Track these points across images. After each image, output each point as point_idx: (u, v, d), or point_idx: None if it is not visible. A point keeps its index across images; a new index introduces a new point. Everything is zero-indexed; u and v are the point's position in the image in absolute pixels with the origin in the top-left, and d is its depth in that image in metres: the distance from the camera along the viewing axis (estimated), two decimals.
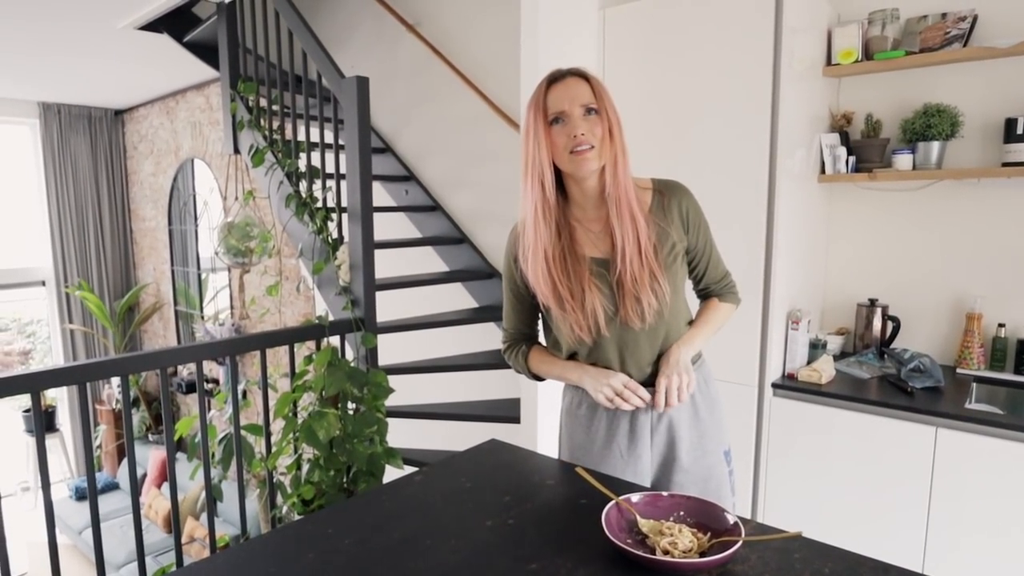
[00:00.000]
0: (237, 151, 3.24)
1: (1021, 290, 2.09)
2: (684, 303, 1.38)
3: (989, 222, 2.13)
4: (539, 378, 1.49)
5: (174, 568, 2.26)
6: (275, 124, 3.03)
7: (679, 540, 0.99)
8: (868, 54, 2.17)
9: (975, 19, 2.05)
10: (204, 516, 4.34)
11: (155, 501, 5.03)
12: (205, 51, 3.80)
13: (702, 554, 0.98)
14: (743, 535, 0.98)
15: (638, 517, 1.07)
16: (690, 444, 1.37)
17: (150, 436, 5.96)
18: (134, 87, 5.30)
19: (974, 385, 2.03)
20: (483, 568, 0.98)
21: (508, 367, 2.69)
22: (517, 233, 1.37)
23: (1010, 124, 1.99)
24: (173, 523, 2.14)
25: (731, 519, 1.03)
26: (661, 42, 2.19)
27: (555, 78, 1.26)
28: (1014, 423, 1.70)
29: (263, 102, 3.12)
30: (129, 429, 2.02)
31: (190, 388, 5.69)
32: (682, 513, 1.09)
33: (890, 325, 2.24)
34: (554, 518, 1.14)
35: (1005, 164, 2.00)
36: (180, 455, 5.67)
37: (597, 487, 1.18)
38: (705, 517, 1.06)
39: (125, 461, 5.84)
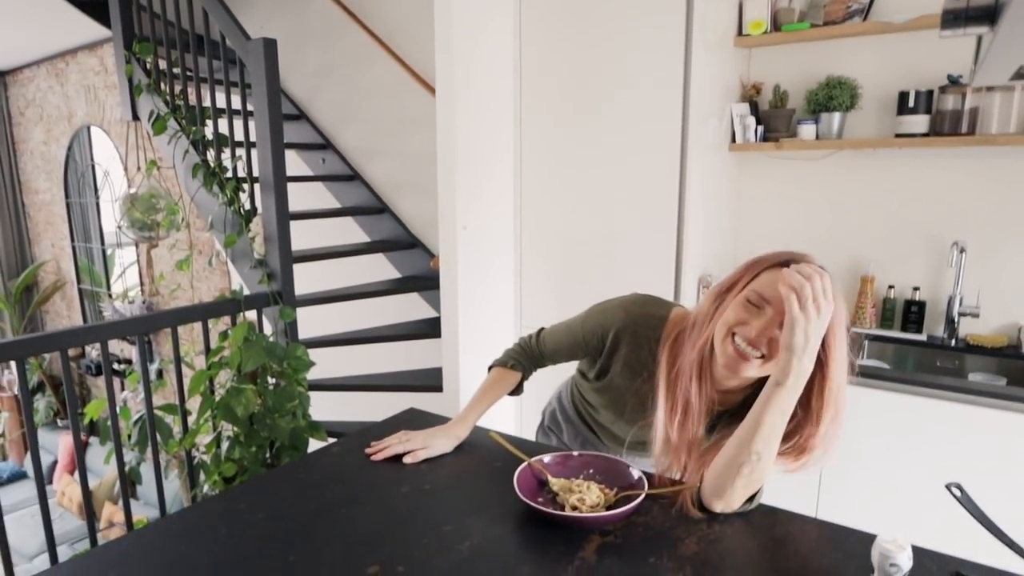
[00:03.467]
0: (136, 117, 3.04)
1: (908, 254, 2.25)
2: None
3: (883, 190, 2.27)
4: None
5: None
6: (177, 88, 2.84)
7: (587, 496, 1.03)
8: (776, 25, 2.25)
9: None
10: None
11: (68, 488, 4.77)
12: (94, 8, 3.50)
13: (608, 508, 1.03)
14: (646, 488, 1.04)
15: (549, 477, 1.11)
16: None
17: (59, 421, 5.63)
18: (15, 46, 4.83)
19: (866, 342, 2.19)
20: (396, 532, 0.99)
21: (432, 336, 2.70)
22: (671, 324, 1.15)
23: (903, 97, 2.11)
24: (86, 509, 2.05)
25: (635, 474, 1.08)
26: (578, 9, 2.18)
27: (788, 262, 1.00)
28: (897, 376, 1.85)
29: (163, 64, 2.92)
30: (29, 416, 1.90)
31: (100, 370, 5.38)
32: (591, 471, 1.13)
33: None
34: (469, 482, 1.16)
35: (898, 135, 2.12)
36: (94, 439, 5.38)
37: (510, 450, 1.21)
38: (612, 474, 1.11)
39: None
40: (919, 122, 2.09)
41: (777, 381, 0.94)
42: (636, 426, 1.23)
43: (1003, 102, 1.98)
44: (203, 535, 1.00)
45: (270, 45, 2.24)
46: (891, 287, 2.26)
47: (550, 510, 1.00)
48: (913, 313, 2.21)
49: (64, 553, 4.19)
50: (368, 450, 1.26)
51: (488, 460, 1.23)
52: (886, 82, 2.21)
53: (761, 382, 1.00)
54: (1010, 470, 1.68)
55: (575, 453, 1.16)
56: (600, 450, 1.39)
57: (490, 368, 1.39)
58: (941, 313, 2.19)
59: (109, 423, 2.09)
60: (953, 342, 2.12)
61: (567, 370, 1.43)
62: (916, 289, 2.22)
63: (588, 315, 1.26)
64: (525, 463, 1.12)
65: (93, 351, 5.53)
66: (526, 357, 1.36)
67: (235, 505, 1.09)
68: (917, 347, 2.17)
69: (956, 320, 2.12)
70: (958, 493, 0.88)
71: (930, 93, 2.08)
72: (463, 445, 1.29)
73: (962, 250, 2.08)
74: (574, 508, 1.02)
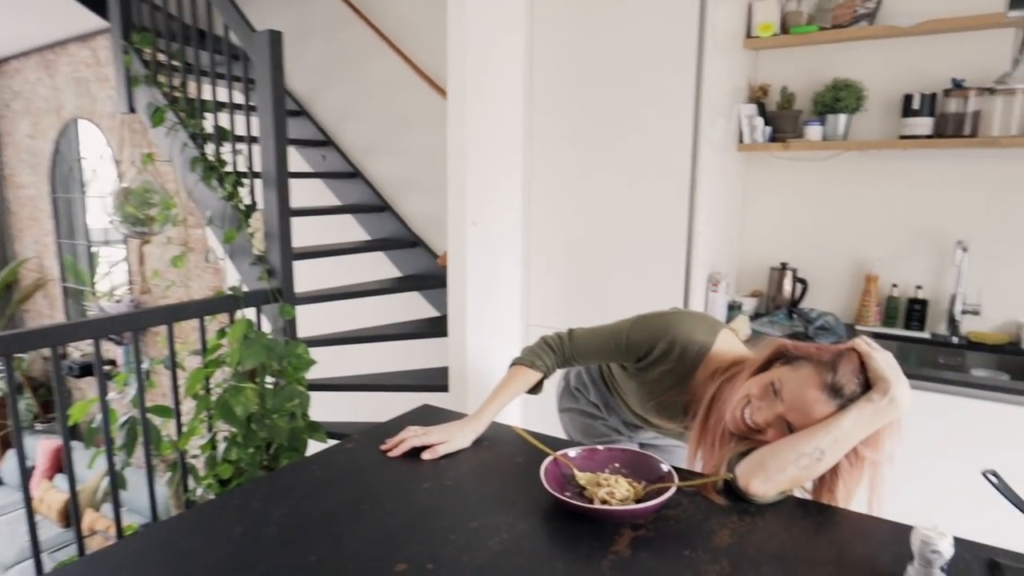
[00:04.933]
0: (132, 110, 2.97)
1: (911, 253, 2.27)
2: None
3: (886, 190, 2.29)
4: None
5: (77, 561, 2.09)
6: (176, 81, 2.79)
7: (616, 490, 1.01)
8: (785, 28, 2.25)
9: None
10: (104, 506, 4.04)
11: (47, 494, 4.64)
12: None
13: (638, 501, 1.00)
14: (676, 482, 1.01)
15: (575, 471, 1.08)
16: None
17: (37, 425, 5.48)
18: (3, 37, 4.74)
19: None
20: (422, 529, 0.95)
21: (436, 335, 2.67)
22: (716, 353, 1.21)
23: (907, 99, 2.12)
24: (72, 514, 1.97)
25: (665, 467, 1.06)
26: (591, 10, 2.17)
27: (820, 365, 1.04)
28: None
29: (160, 57, 2.87)
30: (16, 415, 1.82)
31: (83, 371, 5.24)
32: (617, 465, 1.11)
33: (799, 287, 2.38)
34: (492, 477, 1.13)
35: (902, 136, 2.14)
36: (75, 443, 5.25)
37: (534, 444, 1.18)
38: (640, 468, 1.09)
39: (8, 453, 5.35)
40: (923, 124, 2.11)
41: (870, 397, 1.00)
42: (651, 416, 1.31)
43: (1004, 105, 2.00)
44: (218, 533, 0.96)
45: (275, 37, 2.20)
46: (894, 286, 2.27)
47: (582, 503, 0.97)
48: (916, 311, 2.22)
49: (44, 562, 4.07)
50: (384, 446, 1.22)
51: (510, 455, 1.20)
52: (891, 85, 2.23)
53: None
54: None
55: (600, 447, 1.14)
56: (621, 415, 1.49)
57: (511, 366, 1.36)
58: (943, 311, 2.21)
59: (94, 425, 2.02)
60: (955, 339, 2.13)
61: None
62: (919, 287, 2.23)
63: (636, 325, 1.27)
64: (550, 457, 1.09)
65: (77, 352, 5.41)
66: (553, 356, 1.33)
67: (248, 503, 1.05)
68: (920, 344, 2.17)
69: (958, 318, 2.13)
70: (995, 480, 0.87)
71: (934, 96, 2.10)
72: (482, 440, 1.26)
73: (964, 249, 2.09)
74: (603, 502, 0.99)
